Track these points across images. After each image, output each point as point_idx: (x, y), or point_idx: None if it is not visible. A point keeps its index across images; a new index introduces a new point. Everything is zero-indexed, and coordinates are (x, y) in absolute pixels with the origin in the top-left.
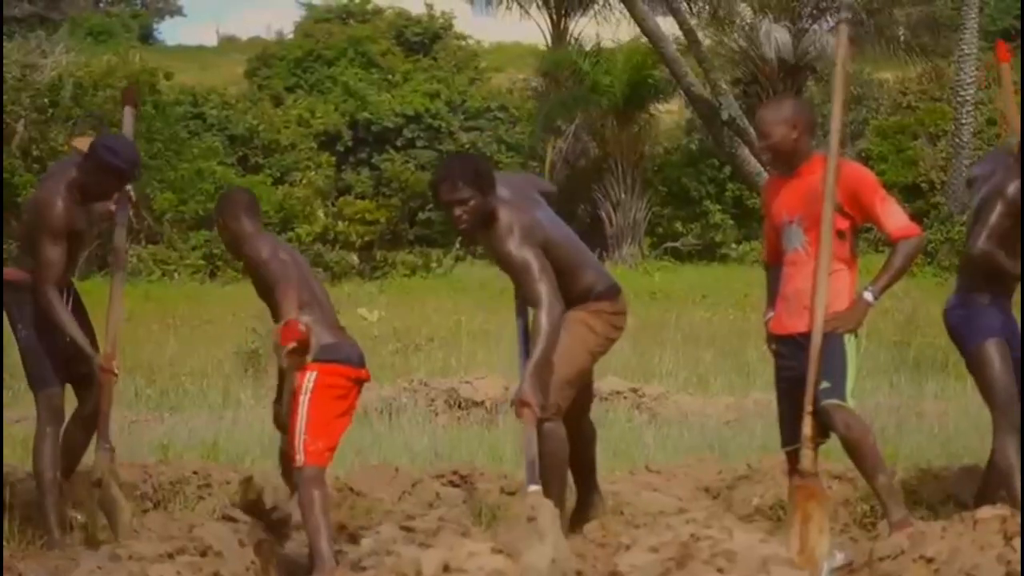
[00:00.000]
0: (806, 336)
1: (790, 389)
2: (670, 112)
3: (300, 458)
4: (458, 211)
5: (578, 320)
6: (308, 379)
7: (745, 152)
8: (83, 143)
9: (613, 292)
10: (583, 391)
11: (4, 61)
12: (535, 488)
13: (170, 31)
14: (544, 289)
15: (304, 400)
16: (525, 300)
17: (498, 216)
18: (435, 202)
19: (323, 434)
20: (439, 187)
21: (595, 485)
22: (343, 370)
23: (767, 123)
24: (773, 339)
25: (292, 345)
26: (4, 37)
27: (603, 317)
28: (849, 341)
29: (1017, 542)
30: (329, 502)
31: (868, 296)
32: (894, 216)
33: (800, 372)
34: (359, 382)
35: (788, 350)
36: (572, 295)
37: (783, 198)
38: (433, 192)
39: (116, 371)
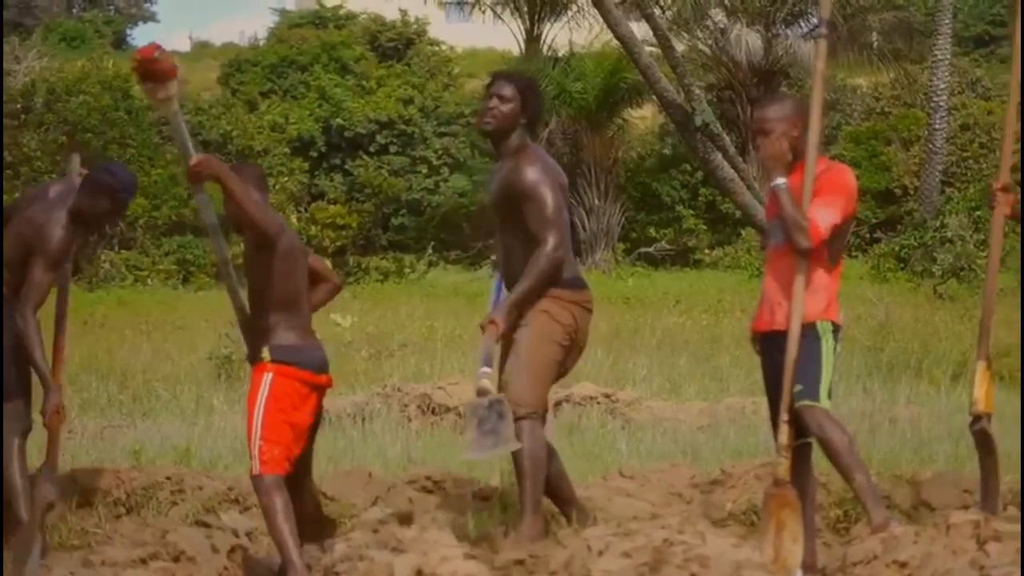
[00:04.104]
0: (779, 334)
1: (768, 389)
2: (643, 117)
3: (256, 466)
4: (493, 103)
5: (538, 311)
6: (264, 381)
7: (718, 157)
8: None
9: (576, 283)
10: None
11: None
12: (487, 370)
13: (144, 37)
14: (554, 232)
15: (260, 403)
16: (531, 233)
17: (529, 151)
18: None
19: (280, 440)
20: (494, 79)
21: (572, 496)
22: (299, 374)
23: (769, 119)
24: (756, 338)
25: (137, 58)
26: None
27: (563, 304)
28: (825, 342)
29: (989, 547)
30: (291, 507)
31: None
32: (815, 217)
33: (774, 372)
34: (317, 388)
35: (764, 347)
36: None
37: (774, 196)
38: (488, 85)
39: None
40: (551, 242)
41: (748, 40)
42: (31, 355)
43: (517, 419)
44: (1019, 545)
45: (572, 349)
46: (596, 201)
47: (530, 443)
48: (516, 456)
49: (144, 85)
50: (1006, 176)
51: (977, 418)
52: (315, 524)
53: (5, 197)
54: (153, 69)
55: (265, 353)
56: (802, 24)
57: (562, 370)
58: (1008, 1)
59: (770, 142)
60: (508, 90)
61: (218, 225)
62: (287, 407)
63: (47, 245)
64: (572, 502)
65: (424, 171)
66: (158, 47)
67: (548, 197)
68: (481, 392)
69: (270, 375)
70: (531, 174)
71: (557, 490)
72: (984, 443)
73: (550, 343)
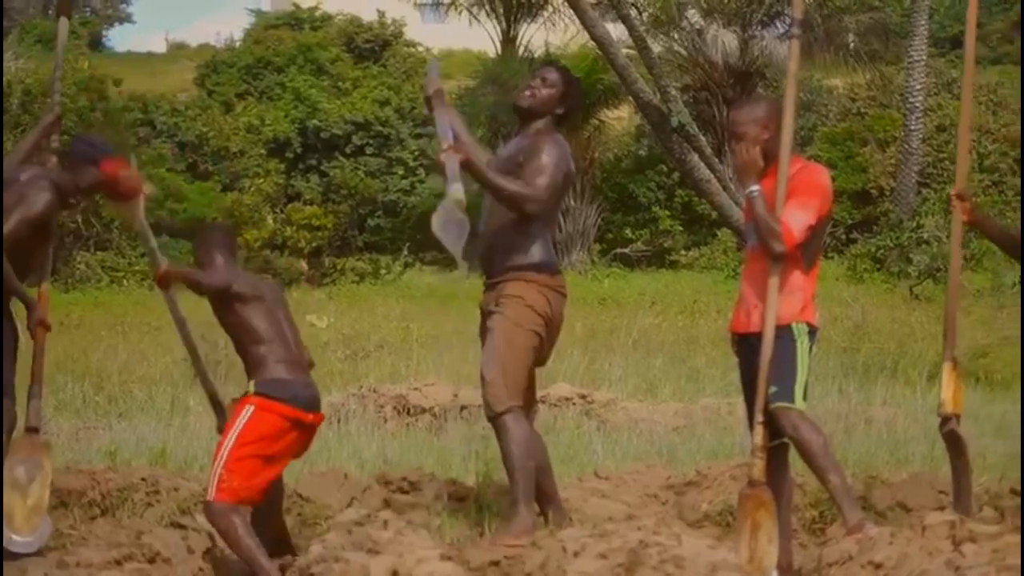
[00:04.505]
0: (756, 335)
1: (745, 390)
2: (619, 118)
3: (211, 492)
4: (535, 83)
5: (511, 297)
6: (244, 412)
7: (694, 158)
8: None
9: (550, 267)
10: (528, 396)
11: None
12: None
13: (119, 38)
14: (544, 191)
15: (232, 433)
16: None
17: (553, 135)
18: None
19: (241, 472)
20: (543, 65)
21: (554, 494)
22: (282, 409)
23: (741, 121)
24: (733, 339)
25: (102, 177)
26: None
27: (538, 289)
28: (800, 343)
29: (965, 548)
30: (249, 523)
31: None
32: (788, 220)
33: (749, 373)
34: (300, 424)
35: (741, 348)
36: (512, 247)
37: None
38: (536, 68)
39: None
40: (539, 190)
41: (724, 41)
42: (9, 283)
43: (498, 415)
44: (994, 546)
45: (548, 333)
46: (572, 202)
47: (515, 434)
48: (504, 449)
49: (109, 200)
50: (962, 183)
51: (946, 419)
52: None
53: None
54: (118, 190)
55: (250, 386)
56: (778, 25)
57: (539, 356)
58: (982, 3)
59: (740, 152)
60: (553, 76)
61: (185, 319)
62: (260, 440)
63: (29, 205)
64: (553, 500)
65: (400, 172)
66: (123, 163)
67: (552, 170)
68: (458, 202)
69: (251, 408)
70: (548, 153)
71: (540, 485)
72: (955, 444)
73: (525, 331)
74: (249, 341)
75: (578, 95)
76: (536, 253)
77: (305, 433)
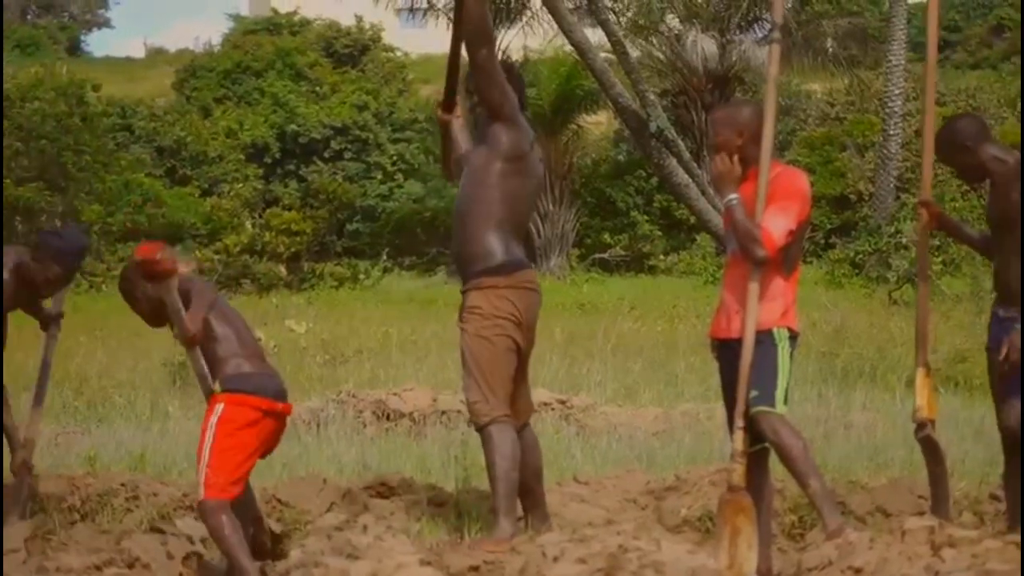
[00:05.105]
0: (737, 341)
1: (726, 395)
2: (598, 123)
3: (201, 491)
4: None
5: (470, 308)
6: (215, 411)
7: (673, 163)
8: None
9: (511, 267)
10: (520, 400)
11: None
12: None
13: (98, 43)
14: (502, 96)
15: (209, 432)
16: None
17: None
18: None
19: (225, 467)
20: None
21: (540, 499)
22: (251, 400)
23: (716, 124)
24: (714, 345)
25: (139, 259)
26: None
27: (498, 293)
28: (781, 348)
29: (944, 552)
30: (238, 524)
31: None
32: (769, 226)
33: (730, 377)
34: (272, 413)
35: (722, 354)
36: (475, 253)
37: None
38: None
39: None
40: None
41: (703, 46)
42: None
43: (482, 427)
44: (973, 551)
45: (521, 332)
46: (551, 207)
47: (498, 445)
48: (487, 459)
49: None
50: (927, 192)
51: (921, 425)
52: (258, 545)
53: None
54: (155, 271)
55: (216, 385)
56: (757, 30)
57: (520, 356)
58: (961, 7)
59: (716, 163)
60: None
61: (206, 373)
62: (235, 433)
63: None
64: (538, 505)
65: (379, 177)
66: (160, 247)
67: (511, 99)
68: None
69: (221, 405)
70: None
71: (528, 487)
72: (931, 450)
73: (491, 341)
74: (208, 340)
75: (516, 77)
76: (498, 255)
77: (278, 423)
